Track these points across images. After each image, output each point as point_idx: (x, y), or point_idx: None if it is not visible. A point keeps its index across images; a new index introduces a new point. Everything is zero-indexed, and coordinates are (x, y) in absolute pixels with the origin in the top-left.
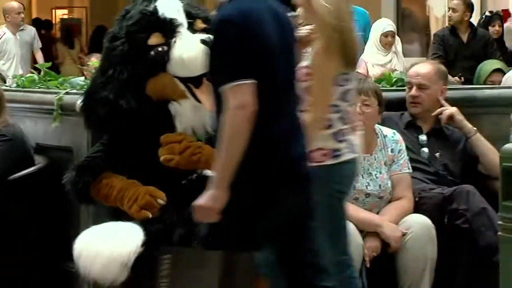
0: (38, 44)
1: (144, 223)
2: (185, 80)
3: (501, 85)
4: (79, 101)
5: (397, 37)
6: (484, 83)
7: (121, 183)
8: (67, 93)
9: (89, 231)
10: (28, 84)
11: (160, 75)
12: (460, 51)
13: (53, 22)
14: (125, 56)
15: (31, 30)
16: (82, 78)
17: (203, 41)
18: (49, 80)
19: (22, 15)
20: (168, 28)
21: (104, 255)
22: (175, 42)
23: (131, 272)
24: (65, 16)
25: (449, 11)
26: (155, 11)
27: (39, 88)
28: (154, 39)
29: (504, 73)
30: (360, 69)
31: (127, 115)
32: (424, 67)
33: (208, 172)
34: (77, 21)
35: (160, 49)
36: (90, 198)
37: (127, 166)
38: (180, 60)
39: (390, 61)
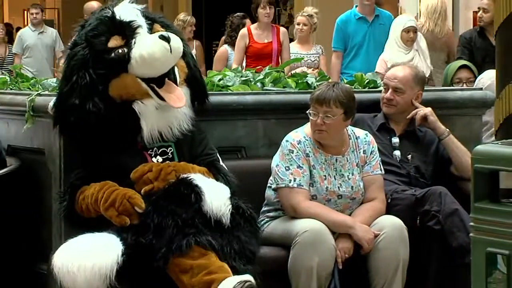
0: (60, 46)
1: (119, 232)
2: (147, 81)
3: (473, 87)
4: (51, 103)
5: (419, 33)
6: (452, 81)
7: (92, 189)
8: (39, 94)
9: (67, 246)
10: None
11: (122, 76)
12: (489, 54)
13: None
14: (86, 60)
15: (52, 32)
16: (54, 79)
17: (162, 36)
18: (21, 82)
19: (35, 15)
20: (127, 30)
21: (86, 269)
22: (134, 43)
23: (113, 282)
24: None
25: (479, 11)
26: (113, 15)
27: (11, 89)
28: (114, 42)
29: (471, 70)
30: (380, 68)
31: (95, 117)
32: (403, 71)
33: (183, 175)
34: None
35: (120, 50)
36: (78, 220)
37: (101, 172)
38: (141, 58)
39: (412, 59)
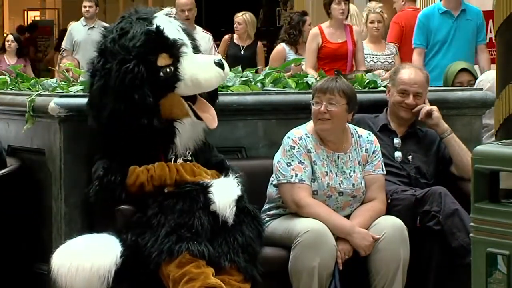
0: None
1: (119, 233)
2: (185, 99)
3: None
4: (51, 103)
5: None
6: (453, 85)
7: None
8: (39, 95)
9: (66, 246)
10: None
11: (169, 96)
12: None
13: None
14: (143, 78)
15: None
16: (54, 80)
17: (218, 64)
18: (21, 82)
19: (88, 8)
20: (174, 49)
21: (85, 269)
22: (182, 62)
23: (112, 283)
24: (37, 18)
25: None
26: (159, 31)
27: (11, 90)
28: (162, 60)
29: (471, 73)
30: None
31: (147, 135)
32: (418, 75)
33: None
34: (49, 22)
35: (168, 70)
36: (123, 195)
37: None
38: (195, 82)
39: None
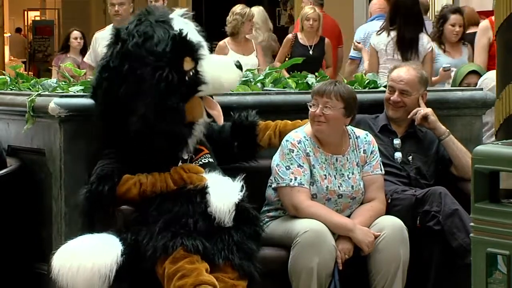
0: None
1: (119, 232)
2: None
3: (475, 87)
4: (51, 104)
5: None
6: (460, 85)
7: (150, 178)
8: (39, 95)
9: (66, 247)
10: None
11: (191, 99)
12: None
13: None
14: (175, 85)
15: None
16: (54, 80)
17: (238, 66)
18: (21, 82)
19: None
20: (195, 52)
21: (86, 269)
22: (202, 65)
23: (113, 282)
24: (37, 18)
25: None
26: (182, 34)
27: (11, 90)
28: (187, 64)
29: (480, 75)
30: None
31: (178, 141)
32: (408, 73)
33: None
34: (49, 22)
35: (191, 73)
36: (111, 204)
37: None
38: (217, 82)
39: None
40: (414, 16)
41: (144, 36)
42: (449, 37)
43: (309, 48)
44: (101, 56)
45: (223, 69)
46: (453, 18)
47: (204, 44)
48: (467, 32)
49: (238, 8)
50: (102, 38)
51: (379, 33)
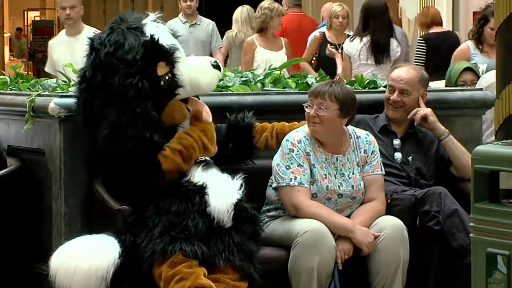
0: (217, 42)
1: (117, 233)
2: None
3: (475, 87)
4: (51, 104)
5: None
6: (456, 83)
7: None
8: (39, 95)
9: (64, 248)
10: None
11: (170, 103)
12: None
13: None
14: (146, 92)
15: (208, 25)
16: (54, 80)
17: (216, 66)
18: (21, 82)
19: (189, 2)
20: (170, 56)
21: (83, 270)
22: (178, 68)
23: (110, 284)
24: (37, 18)
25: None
26: (154, 40)
27: (11, 90)
28: (161, 70)
29: (474, 72)
30: None
31: (153, 147)
32: (408, 73)
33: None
34: (49, 22)
35: (167, 77)
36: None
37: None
38: (195, 84)
39: None
40: (385, 22)
41: (115, 45)
42: (488, 40)
43: (338, 46)
44: (58, 64)
45: (200, 71)
46: (494, 21)
47: (179, 46)
48: None
49: (266, 3)
50: (55, 45)
51: (351, 39)
